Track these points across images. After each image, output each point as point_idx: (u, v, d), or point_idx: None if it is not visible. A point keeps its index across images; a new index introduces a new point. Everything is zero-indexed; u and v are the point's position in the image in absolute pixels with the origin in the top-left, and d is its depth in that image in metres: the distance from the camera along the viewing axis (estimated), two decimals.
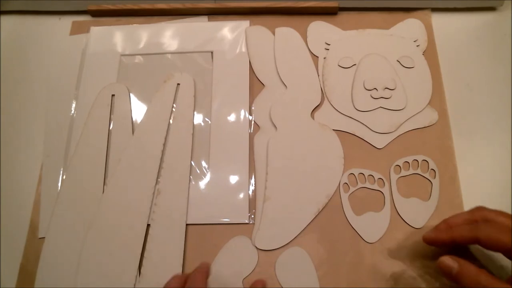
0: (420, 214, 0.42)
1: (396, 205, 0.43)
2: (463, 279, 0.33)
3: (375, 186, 0.44)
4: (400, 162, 0.45)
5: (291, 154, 0.45)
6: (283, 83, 0.49)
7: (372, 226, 0.42)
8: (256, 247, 0.41)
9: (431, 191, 0.43)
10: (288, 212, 0.43)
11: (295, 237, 0.42)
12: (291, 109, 0.48)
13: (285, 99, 0.48)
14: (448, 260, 0.34)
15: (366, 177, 0.44)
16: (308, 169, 0.44)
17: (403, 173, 0.44)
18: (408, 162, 0.45)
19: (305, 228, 0.42)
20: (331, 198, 0.43)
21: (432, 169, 0.44)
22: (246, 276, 0.41)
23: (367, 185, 0.44)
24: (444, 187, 0.44)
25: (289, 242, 0.42)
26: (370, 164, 0.45)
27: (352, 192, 0.44)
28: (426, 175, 0.44)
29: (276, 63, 0.50)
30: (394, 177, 0.44)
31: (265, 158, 0.45)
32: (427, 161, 0.45)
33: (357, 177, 0.44)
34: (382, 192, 0.43)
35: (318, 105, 0.48)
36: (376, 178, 0.44)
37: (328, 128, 0.47)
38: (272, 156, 0.45)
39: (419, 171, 0.44)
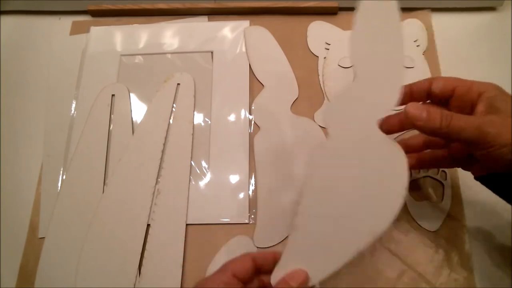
0: (434, 216, 0.42)
1: (409, 209, 0.42)
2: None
3: None
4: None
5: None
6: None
7: None
8: (257, 247, 0.41)
9: (443, 193, 0.43)
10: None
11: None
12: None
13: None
14: (414, 108, 0.29)
15: None
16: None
17: (414, 176, 0.44)
18: None
19: None
20: None
21: (442, 170, 0.44)
22: None
23: None
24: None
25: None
26: None
27: None
28: (437, 177, 0.44)
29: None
30: None
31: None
32: None
33: None
34: None
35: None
36: None
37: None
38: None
39: (429, 173, 0.44)
